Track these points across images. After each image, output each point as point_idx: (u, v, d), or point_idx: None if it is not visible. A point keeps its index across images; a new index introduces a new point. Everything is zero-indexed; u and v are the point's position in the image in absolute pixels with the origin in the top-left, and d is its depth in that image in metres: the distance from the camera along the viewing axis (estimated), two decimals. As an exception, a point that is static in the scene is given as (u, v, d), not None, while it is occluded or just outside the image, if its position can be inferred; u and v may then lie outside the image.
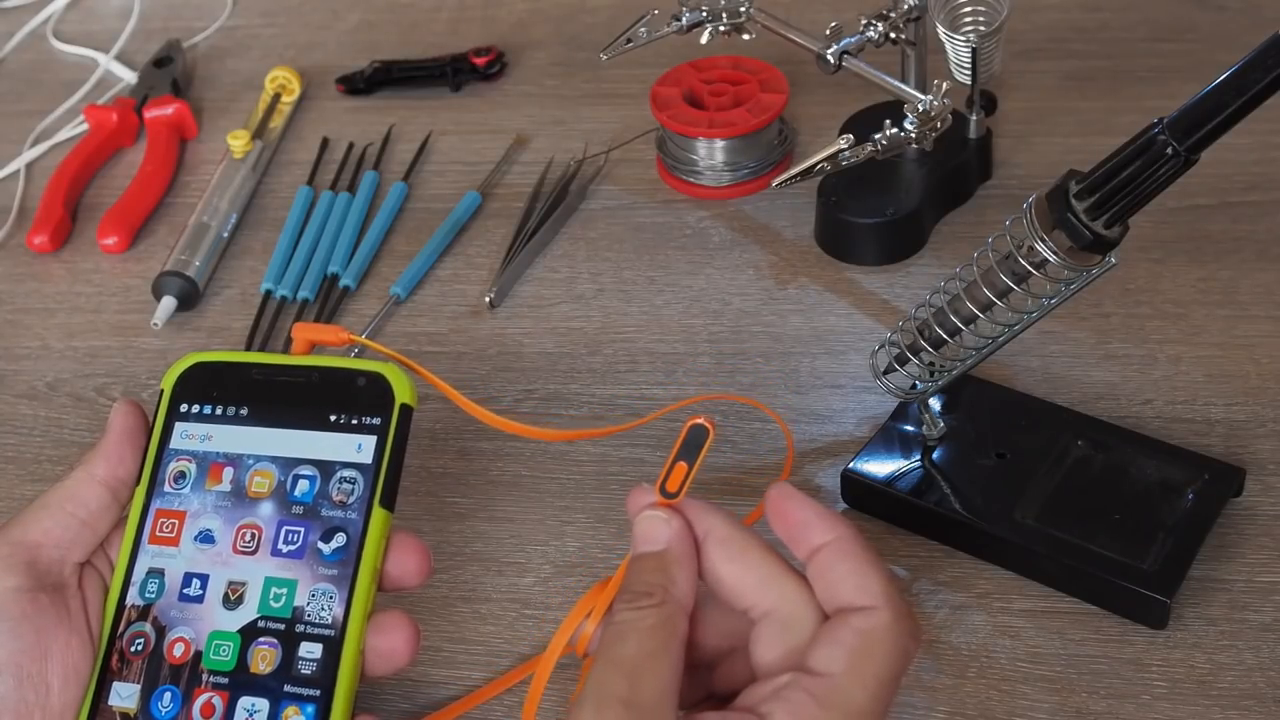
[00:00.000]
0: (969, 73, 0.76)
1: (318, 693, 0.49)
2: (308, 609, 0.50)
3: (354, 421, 0.53)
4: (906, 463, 0.64)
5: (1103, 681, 0.57)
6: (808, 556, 0.47)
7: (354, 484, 0.52)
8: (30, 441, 0.74)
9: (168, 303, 0.80)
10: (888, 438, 0.66)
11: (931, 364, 0.62)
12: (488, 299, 0.78)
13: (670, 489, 0.49)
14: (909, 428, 0.66)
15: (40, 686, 0.49)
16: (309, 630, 0.50)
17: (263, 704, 0.49)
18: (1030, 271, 0.56)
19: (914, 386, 0.64)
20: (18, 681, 0.49)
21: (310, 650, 0.50)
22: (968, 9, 0.75)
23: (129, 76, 1.01)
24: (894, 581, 0.47)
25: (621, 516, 0.66)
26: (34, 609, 0.50)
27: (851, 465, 0.64)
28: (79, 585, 0.52)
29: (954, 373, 0.63)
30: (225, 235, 0.85)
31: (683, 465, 0.49)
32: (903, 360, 0.63)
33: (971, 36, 0.74)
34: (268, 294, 0.81)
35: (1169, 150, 0.51)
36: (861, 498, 0.64)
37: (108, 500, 0.53)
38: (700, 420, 0.49)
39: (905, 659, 0.46)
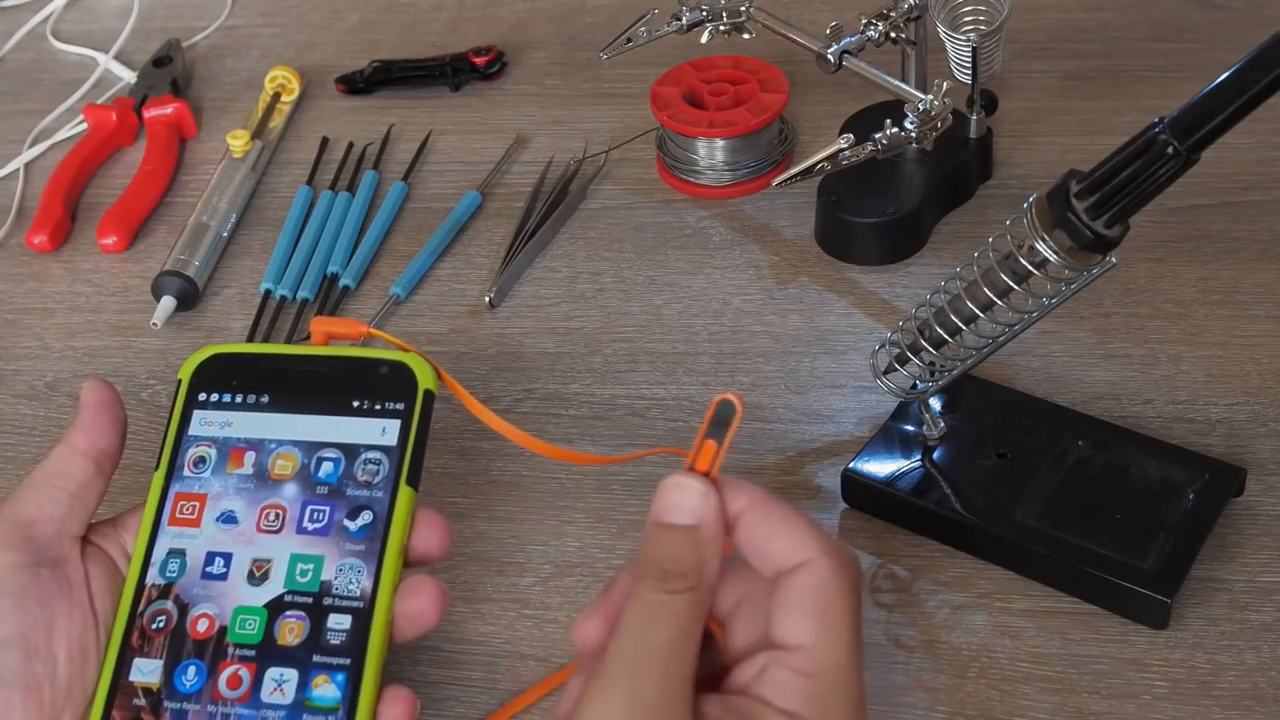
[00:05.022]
0: (969, 72, 0.76)
1: (348, 661, 0.50)
2: (335, 583, 0.52)
3: (377, 407, 0.54)
4: (907, 463, 0.64)
5: (1103, 682, 0.57)
6: (730, 524, 0.47)
7: (379, 465, 0.53)
8: (29, 441, 0.74)
9: (167, 302, 0.80)
10: (888, 438, 0.66)
11: (932, 364, 0.62)
12: (488, 299, 0.78)
13: (700, 469, 0.47)
14: (909, 428, 0.66)
15: (47, 660, 0.50)
16: (337, 603, 0.51)
17: (291, 674, 0.50)
18: (1031, 271, 0.56)
19: (914, 386, 0.64)
20: (25, 655, 0.50)
21: (339, 621, 0.51)
22: (968, 8, 0.75)
23: (128, 76, 1.01)
24: (817, 526, 0.46)
25: (621, 516, 0.66)
26: (35, 584, 0.51)
27: (852, 465, 0.64)
28: (81, 560, 0.53)
29: (954, 372, 0.62)
30: (225, 235, 0.85)
31: (712, 443, 0.47)
32: (903, 360, 0.63)
33: (972, 36, 0.74)
34: (267, 294, 0.81)
35: (1170, 150, 0.51)
36: (862, 498, 0.64)
37: (92, 471, 0.54)
38: (728, 396, 0.47)
39: (856, 591, 0.45)
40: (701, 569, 0.45)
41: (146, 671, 0.51)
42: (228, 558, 0.53)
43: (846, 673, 0.44)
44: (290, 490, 0.54)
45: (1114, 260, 0.56)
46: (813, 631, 0.44)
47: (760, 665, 0.45)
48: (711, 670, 0.47)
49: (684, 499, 0.46)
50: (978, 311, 0.59)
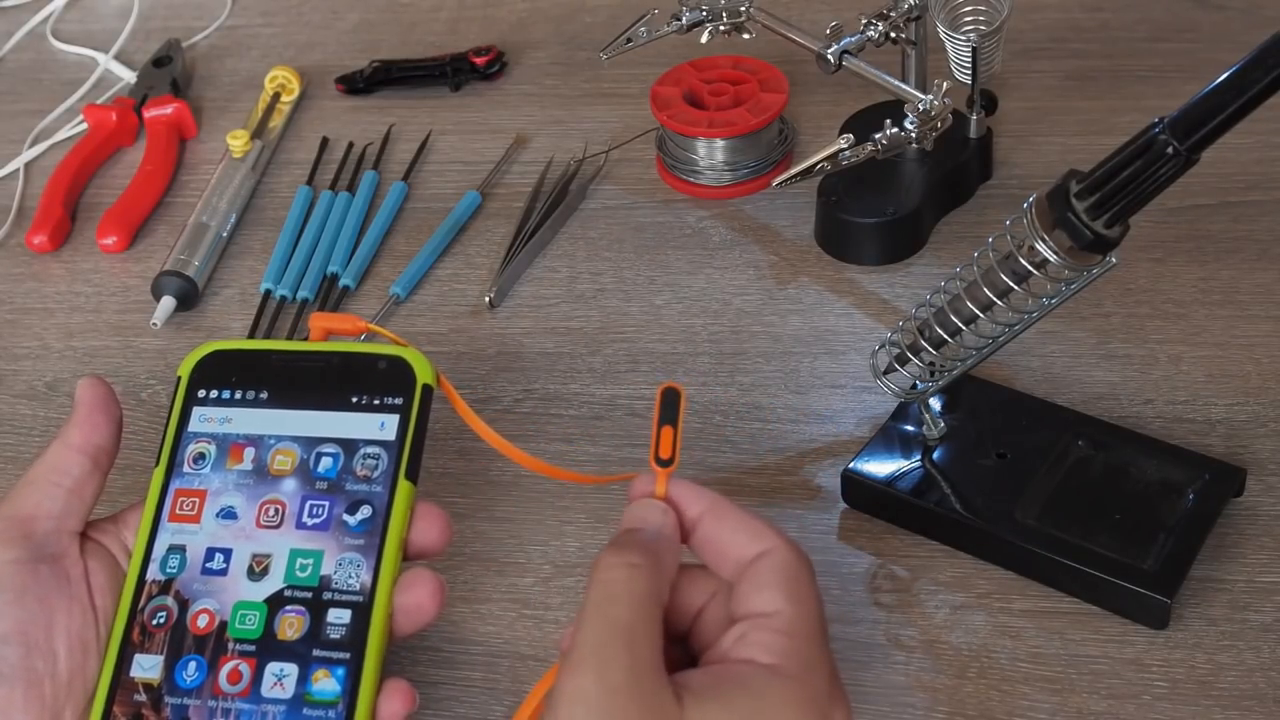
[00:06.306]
0: (969, 72, 0.76)
1: (348, 655, 0.50)
2: (335, 577, 0.52)
3: (376, 402, 0.55)
4: (907, 463, 0.64)
5: (1103, 682, 0.57)
6: (690, 527, 0.50)
7: (378, 459, 0.54)
8: (29, 441, 0.74)
9: (167, 302, 0.80)
10: (888, 438, 0.66)
11: (932, 364, 0.62)
12: (487, 299, 0.78)
13: (664, 456, 0.50)
14: (909, 428, 0.66)
15: (47, 655, 0.51)
16: (337, 597, 0.52)
17: (292, 668, 0.51)
18: (1031, 271, 0.56)
19: (914, 386, 0.64)
20: (26, 650, 0.50)
21: (339, 616, 0.51)
22: (968, 8, 0.75)
23: (128, 76, 1.01)
24: (770, 522, 0.49)
25: (620, 516, 0.66)
26: (34, 580, 0.51)
27: (851, 465, 0.64)
28: (80, 556, 0.53)
29: (954, 373, 0.62)
30: (225, 235, 0.85)
31: (669, 429, 0.50)
32: (903, 360, 0.63)
33: (972, 36, 0.74)
34: (267, 294, 0.81)
35: (1169, 150, 0.51)
36: (862, 498, 0.64)
37: (89, 467, 0.55)
38: (669, 384, 0.50)
39: (814, 577, 0.48)
40: (660, 555, 0.48)
41: (147, 667, 0.51)
42: (227, 553, 0.53)
43: (819, 637, 0.47)
44: (289, 485, 0.54)
45: (1114, 260, 0.56)
46: (786, 600, 0.47)
47: (739, 632, 0.47)
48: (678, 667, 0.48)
49: (645, 513, 0.50)
50: (978, 312, 0.59)
